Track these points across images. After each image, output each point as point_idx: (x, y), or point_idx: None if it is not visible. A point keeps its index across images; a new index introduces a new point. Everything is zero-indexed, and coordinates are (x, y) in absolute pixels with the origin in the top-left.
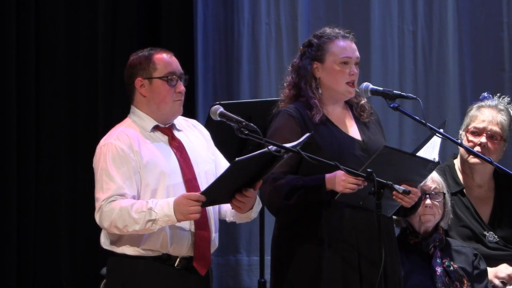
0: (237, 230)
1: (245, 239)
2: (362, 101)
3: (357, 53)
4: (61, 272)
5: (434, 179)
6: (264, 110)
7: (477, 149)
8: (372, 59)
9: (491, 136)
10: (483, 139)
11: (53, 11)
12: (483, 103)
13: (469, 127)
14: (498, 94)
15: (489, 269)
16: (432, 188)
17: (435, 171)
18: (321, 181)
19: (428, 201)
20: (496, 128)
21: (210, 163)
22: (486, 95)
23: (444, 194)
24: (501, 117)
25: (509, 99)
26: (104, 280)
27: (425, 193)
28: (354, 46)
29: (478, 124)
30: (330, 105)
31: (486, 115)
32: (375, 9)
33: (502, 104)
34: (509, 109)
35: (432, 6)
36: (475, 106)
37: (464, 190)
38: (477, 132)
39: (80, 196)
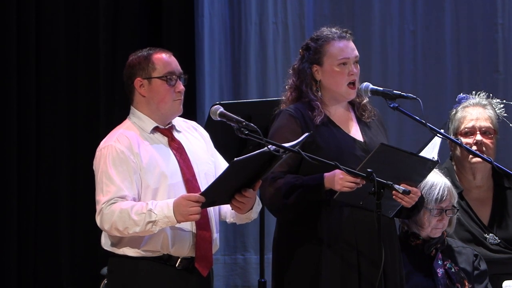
0: (245, 228)
1: (253, 238)
2: (364, 101)
3: (356, 52)
4: (61, 272)
5: (452, 194)
6: (264, 110)
7: (474, 148)
8: (372, 59)
9: (484, 132)
10: (478, 137)
11: (53, 11)
12: (465, 103)
13: (460, 130)
14: (473, 92)
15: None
16: (450, 204)
17: (447, 178)
18: (320, 180)
19: (444, 217)
20: (487, 123)
21: (210, 164)
22: (463, 95)
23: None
24: (488, 112)
25: (484, 94)
26: (105, 280)
27: (443, 210)
28: (352, 45)
29: (468, 124)
30: (332, 106)
31: (473, 113)
32: (376, 9)
33: (484, 99)
34: (491, 103)
35: (431, 6)
36: (459, 108)
37: (462, 193)
38: (470, 132)
39: (80, 196)
